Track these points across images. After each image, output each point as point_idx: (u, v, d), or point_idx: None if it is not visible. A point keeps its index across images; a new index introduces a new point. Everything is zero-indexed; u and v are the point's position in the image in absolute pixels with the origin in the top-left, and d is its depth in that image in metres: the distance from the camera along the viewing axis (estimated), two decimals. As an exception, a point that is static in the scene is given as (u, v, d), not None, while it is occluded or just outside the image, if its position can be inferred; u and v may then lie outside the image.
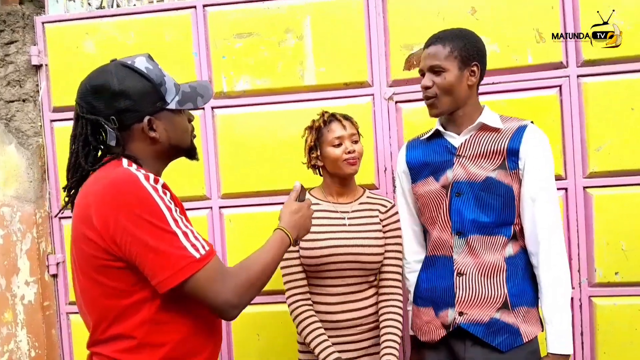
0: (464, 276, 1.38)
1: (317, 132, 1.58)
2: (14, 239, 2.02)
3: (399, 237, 1.60)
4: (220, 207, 2.04)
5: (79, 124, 1.06)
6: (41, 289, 2.02)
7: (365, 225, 1.57)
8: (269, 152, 2.01)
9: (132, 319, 1.00)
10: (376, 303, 1.58)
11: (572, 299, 1.85)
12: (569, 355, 1.32)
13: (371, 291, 1.58)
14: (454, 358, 1.41)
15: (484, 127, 1.41)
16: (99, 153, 1.09)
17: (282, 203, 1.68)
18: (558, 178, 1.85)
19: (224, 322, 1.95)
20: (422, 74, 1.45)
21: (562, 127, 1.85)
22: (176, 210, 0.98)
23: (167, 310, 1.01)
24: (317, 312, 1.54)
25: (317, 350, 1.48)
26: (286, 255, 1.56)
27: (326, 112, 1.61)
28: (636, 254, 1.81)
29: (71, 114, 1.98)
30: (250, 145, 2.01)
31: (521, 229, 1.40)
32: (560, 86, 1.85)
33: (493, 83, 1.89)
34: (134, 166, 1.03)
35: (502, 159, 1.37)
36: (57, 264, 2.08)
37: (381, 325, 1.54)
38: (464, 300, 1.37)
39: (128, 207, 0.94)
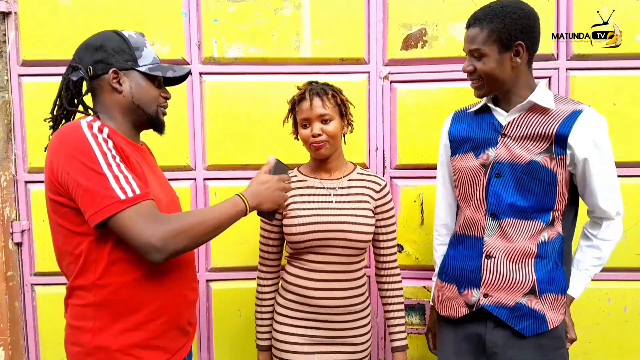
0: (493, 259, 1.36)
1: (293, 110, 1.53)
2: (-27, 203, 1.86)
3: (394, 216, 1.57)
4: (204, 179, 1.96)
5: (67, 70, 1.22)
6: (4, 258, 1.87)
7: (353, 202, 1.50)
8: (259, 124, 1.94)
9: (78, 259, 1.12)
10: (362, 285, 1.53)
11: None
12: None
13: (359, 274, 1.52)
14: (473, 338, 1.41)
15: (535, 107, 1.34)
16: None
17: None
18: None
19: (202, 297, 1.93)
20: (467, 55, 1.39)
21: (549, 117, 1.91)
22: (114, 158, 1.08)
23: (111, 253, 1.12)
24: (296, 285, 1.50)
25: (256, 331, 1.58)
26: (262, 232, 1.57)
27: (305, 84, 1.52)
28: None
29: (42, 69, 1.88)
30: (239, 116, 1.94)
31: (560, 215, 1.36)
32: (549, 77, 1.91)
33: (487, 69, 1.91)
34: (90, 118, 1.14)
35: (549, 143, 1.31)
36: (22, 231, 1.92)
37: (386, 314, 1.58)
38: (490, 283, 1.36)
39: (67, 150, 1.06)
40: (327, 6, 1.91)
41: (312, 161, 1.57)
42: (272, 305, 1.58)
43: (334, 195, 1.51)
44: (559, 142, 1.31)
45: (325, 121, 1.45)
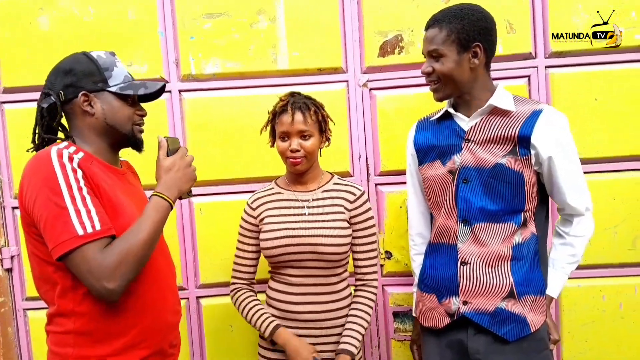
0: (468, 265, 1.35)
1: (273, 120, 1.50)
2: (-39, 231, 1.87)
3: (372, 226, 1.53)
4: (189, 196, 1.96)
5: (40, 97, 1.22)
6: (-8, 285, 1.89)
7: (326, 214, 1.48)
8: (241, 138, 1.94)
9: (55, 287, 1.13)
10: (346, 297, 1.51)
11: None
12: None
13: (342, 285, 1.51)
14: (455, 346, 1.39)
15: (495, 110, 1.34)
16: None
17: (254, 191, 1.66)
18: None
19: (193, 314, 1.93)
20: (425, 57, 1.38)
21: (531, 116, 1.90)
22: (80, 190, 1.07)
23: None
24: (278, 300, 1.50)
25: (257, 325, 1.48)
26: (238, 245, 1.56)
27: (288, 95, 1.50)
28: (599, 239, 1.88)
29: (24, 96, 1.90)
30: (220, 131, 1.94)
31: (532, 215, 1.35)
32: (529, 76, 1.90)
33: (465, 71, 1.91)
34: (64, 144, 1.14)
35: (512, 145, 1.31)
36: (12, 257, 1.94)
37: (348, 313, 1.49)
38: (468, 290, 1.34)
39: (34, 181, 1.07)
40: (302, 18, 1.92)
41: (288, 173, 1.56)
42: (255, 301, 1.54)
43: (307, 207, 1.50)
44: (522, 142, 1.31)
45: (304, 137, 1.43)
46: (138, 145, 1.28)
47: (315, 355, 1.42)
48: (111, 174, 1.21)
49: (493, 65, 1.87)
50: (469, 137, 1.36)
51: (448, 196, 1.39)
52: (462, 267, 1.36)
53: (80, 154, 1.12)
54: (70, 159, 1.09)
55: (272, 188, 1.58)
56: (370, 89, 1.95)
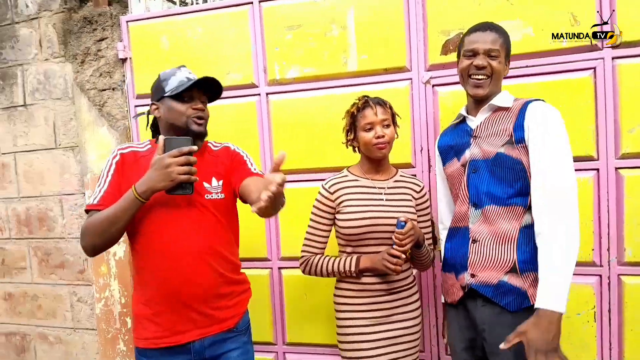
0: (478, 243, 1.53)
1: (352, 117, 1.75)
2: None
3: (429, 213, 1.83)
4: (273, 182, 2.31)
5: None
6: (128, 248, 2.43)
7: (400, 200, 1.75)
8: (317, 132, 2.23)
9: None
10: (409, 268, 1.78)
11: (600, 276, 1.94)
12: (560, 314, 1.28)
13: (407, 264, 1.78)
14: (469, 317, 1.58)
15: (498, 108, 1.55)
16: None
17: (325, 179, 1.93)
18: (590, 159, 1.91)
19: (276, 283, 2.29)
20: (471, 55, 1.53)
21: (596, 108, 1.90)
22: (107, 175, 1.49)
23: (130, 237, 1.54)
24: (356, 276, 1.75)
25: (341, 268, 1.72)
26: (312, 224, 1.80)
27: (363, 97, 1.75)
28: (666, 233, 1.84)
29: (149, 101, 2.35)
30: (300, 126, 2.25)
31: None
32: (594, 68, 1.89)
33: (527, 66, 1.97)
34: (136, 141, 1.54)
35: (509, 135, 1.48)
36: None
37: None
38: (475, 264, 1.52)
39: None
40: (370, 24, 2.14)
41: (364, 163, 1.80)
42: (329, 256, 1.78)
43: (385, 194, 1.76)
44: (517, 129, 1.47)
45: (385, 126, 1.70)
46: (196, 134, 1.52)
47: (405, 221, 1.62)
48: None
49: (556, 59, 1.95)
50: (476, 134, 1.57)
51: (462, 186, 1.59)
52: (472, 244, 1.54)
53: (129, 150, 1.54)
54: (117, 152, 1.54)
55: (347, 175, 1.82)
56: (433, 85, 2.10)
